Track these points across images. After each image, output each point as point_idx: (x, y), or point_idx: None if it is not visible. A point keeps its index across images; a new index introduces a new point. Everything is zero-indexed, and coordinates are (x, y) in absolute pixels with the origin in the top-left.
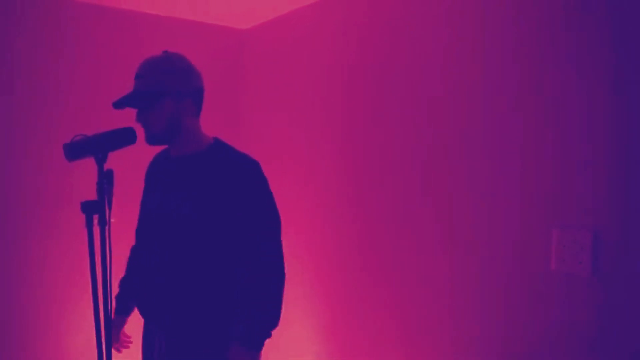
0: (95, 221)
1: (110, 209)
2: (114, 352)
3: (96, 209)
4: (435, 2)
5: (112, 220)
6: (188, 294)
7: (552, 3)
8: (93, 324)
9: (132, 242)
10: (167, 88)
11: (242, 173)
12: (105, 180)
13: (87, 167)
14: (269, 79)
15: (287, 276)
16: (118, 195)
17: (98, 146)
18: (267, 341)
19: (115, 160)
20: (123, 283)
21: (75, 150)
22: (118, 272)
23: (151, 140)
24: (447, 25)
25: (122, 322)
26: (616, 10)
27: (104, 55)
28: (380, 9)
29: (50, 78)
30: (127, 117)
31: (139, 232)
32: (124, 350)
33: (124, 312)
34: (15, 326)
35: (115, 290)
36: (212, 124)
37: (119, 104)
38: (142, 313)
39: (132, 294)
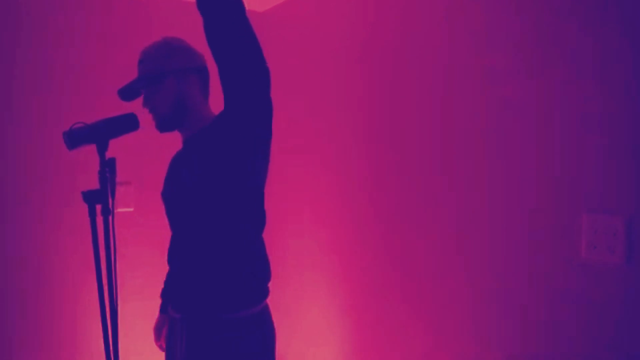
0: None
1: (113, 197)
2: (139, 346)
3: (99, 199)
4: None
5: (129, 209)
6: (204, 274)
7: None
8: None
9: (153, 228)
10: (167, 67)
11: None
12: (108, 169)
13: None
14: (285, 60)
15: (308, 262)
16: (137, 184)
17: (98, 133)
18: (287, 324)
19: (136, 146)
20: (166, 282)
21: (75, 138)
22: (131, 261)
23: (161, 125)
24: (462, 6)
25: (165, 320)
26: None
27: (116, 43)
28: None
29: (54, 65)
30: (132, 107)
31: None
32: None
33: (166, 310)
34: (27, 323)
35: (139, 278)
36: None
37: (124, 92)
38: (166, 299)
39: None
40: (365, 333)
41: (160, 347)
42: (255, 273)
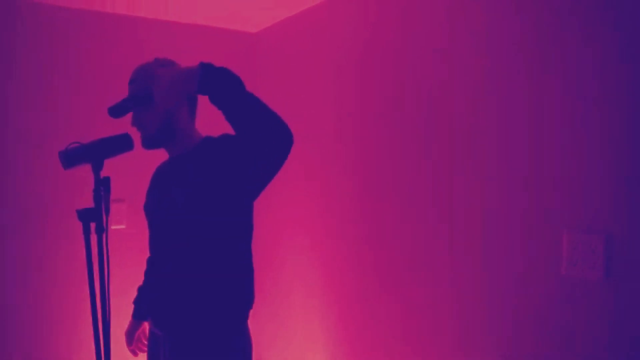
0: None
1: (107, 216)
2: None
3: (93, 217)
4: (442, 3)
5: (121, 226)
6: (190, 293)
7: None
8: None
9: (145, 246)
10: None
11: (223, 137)
12: (102, 188)
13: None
14: (279, 82)
15: (297, 270)
16: (130, 202)
17: (93, 153)
18: (283, 334)
19: (129, 164)
20: (140, 289)
21: (71, 157)
22: (124, 279)
23: (147, 143)
24: (456, 25)
25: (137, 326)
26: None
27: (116, 63)
28: (389, 8)
29: (56, 85)
30: (128, 125)
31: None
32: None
33: (139, 316)
34: (24, 335)
35: (133, 295)
36: (222, 128)
37: (114, 110)
38: (150, 316)
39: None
40: (357, 343)
41: (132, 351)
42: (240, 294)
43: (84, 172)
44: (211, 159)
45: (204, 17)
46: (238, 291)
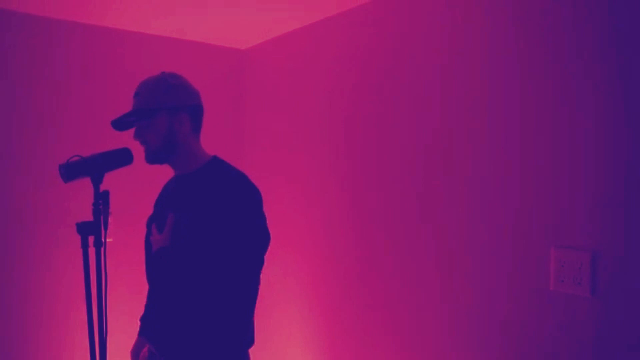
0: (91, 242)
1: (106, 229)
2: None
3: (92, 230)
4: (437, 25)
5: (108, 240)
6: (184, 317)
7: (554, 19)
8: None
9: (132, 260)
10: (160, 103)
11: (235, 194)
12: (101, 201)
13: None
14: (269, 98)
15: (281, 285)
16: (117, 215)
17: (94, 167)
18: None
19: (117, 178)
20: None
21: (72, 170)
22: (115, 291)
23: (150, 158)
24: (448, 48)
25: (144, 344)
26: (620, 17)
27: (105, 76)
28: (377, 29)
29: (51, 97)
30: (127, 139)
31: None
32: None
33: (143, 333)
34: (16, 338)
35: (119, 308)
36: (214, 142)
37: (117, 123)
38: (146, 338)
39: None
40: (337, 355)
41: None
42: (241, 331)
43: (79, 183)
44: (214, 204)
45: (194, 33)
46: (238, 323)
